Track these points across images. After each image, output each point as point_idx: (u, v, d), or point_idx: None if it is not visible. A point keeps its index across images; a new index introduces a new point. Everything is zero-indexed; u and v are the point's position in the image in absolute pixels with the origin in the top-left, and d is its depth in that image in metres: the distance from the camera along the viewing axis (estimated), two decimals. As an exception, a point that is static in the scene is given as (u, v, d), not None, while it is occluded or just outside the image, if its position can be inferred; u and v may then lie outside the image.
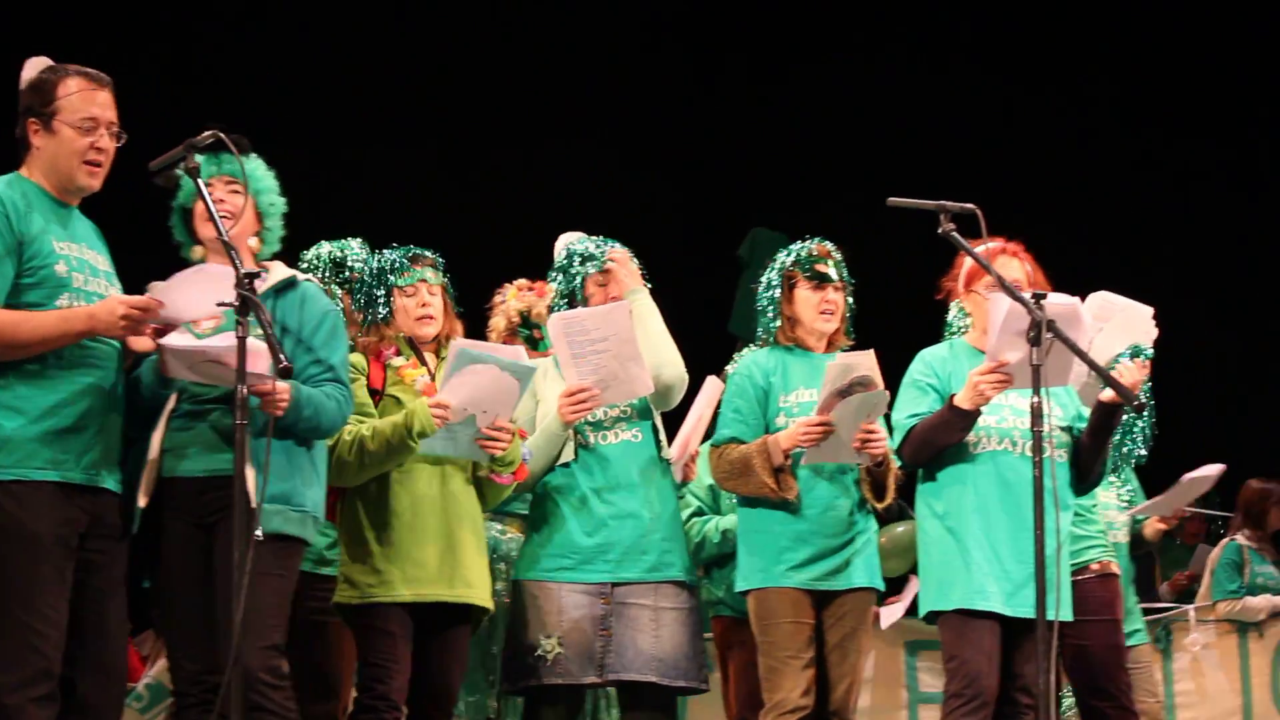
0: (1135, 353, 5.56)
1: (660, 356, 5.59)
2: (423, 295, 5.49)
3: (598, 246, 5.76)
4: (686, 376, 5.71)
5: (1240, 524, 9.29)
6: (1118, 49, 12.37)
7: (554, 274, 5.81)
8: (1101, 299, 5.56)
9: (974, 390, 5.24)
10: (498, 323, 6.47)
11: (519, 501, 5.98)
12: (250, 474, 4.43)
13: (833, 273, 5.73)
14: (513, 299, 6.44)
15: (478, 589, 5.36)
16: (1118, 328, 5.65)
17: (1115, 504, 7.17)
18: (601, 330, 5.46)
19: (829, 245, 5.82)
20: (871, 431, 5.51)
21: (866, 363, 5.50)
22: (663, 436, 5.77)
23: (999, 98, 12.29)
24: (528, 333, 6.36)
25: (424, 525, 5.30)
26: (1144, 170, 12.45)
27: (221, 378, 4.57)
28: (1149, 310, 5.80)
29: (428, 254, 5.57)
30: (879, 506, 5.66)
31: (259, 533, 4.34)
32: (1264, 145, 12.54)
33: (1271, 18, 12.02)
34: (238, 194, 4.87)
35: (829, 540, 5.58)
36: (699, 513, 6.92)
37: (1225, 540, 9.36)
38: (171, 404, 4.75)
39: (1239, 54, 12.25)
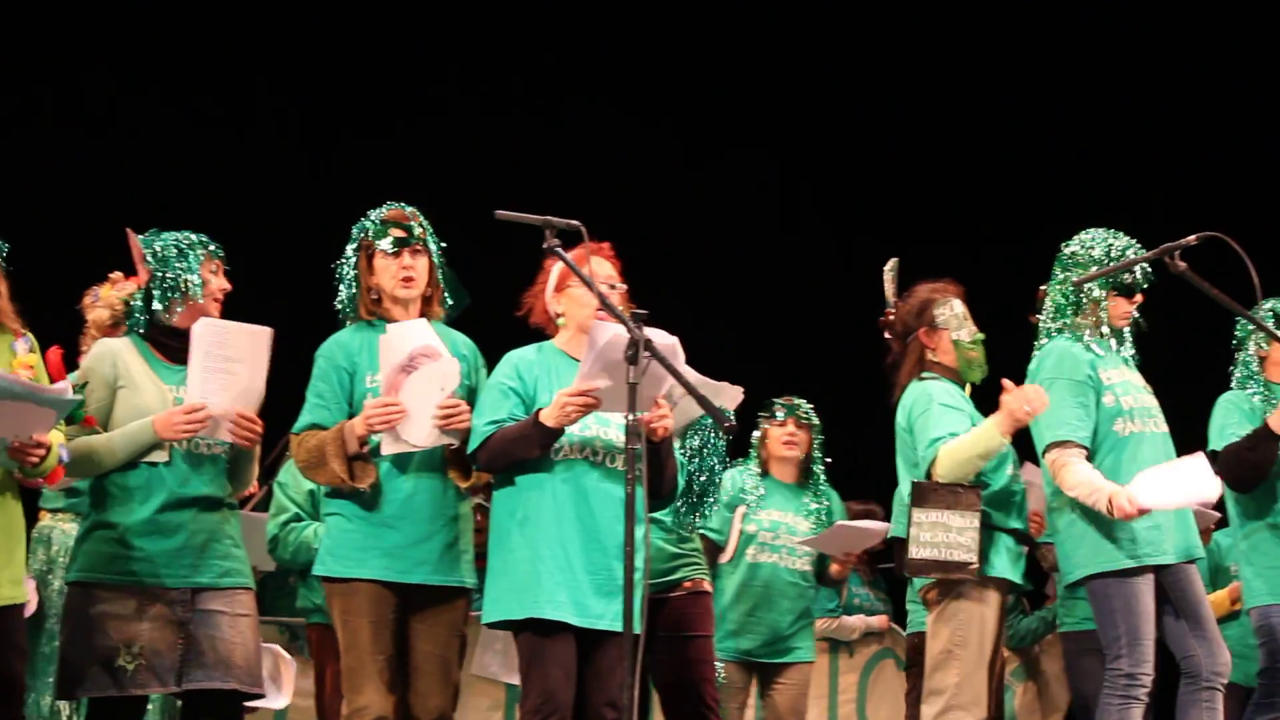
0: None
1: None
2: None
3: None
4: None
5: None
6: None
7: (155, 263, 5.47)
8: None
9: (560, 410, 5.14)
10: (100, 315, 6.27)
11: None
12: None
13: (411, 235, 5.53)
14: (110, 291, 6.25)
15: (6, 588, 5.09)
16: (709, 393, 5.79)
17: (804, 530, 7.35)
18: (241, 350, 5.28)
19: (406, 208, 5.62)
20: (451, 407, 5.36)
21: (419, 332, 5.36)
22: None
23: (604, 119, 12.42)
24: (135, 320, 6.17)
25: None
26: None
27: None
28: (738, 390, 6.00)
29: None
30: (463, 486, 5.44)
31: None
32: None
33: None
34: None
35: (414, 528, 5.38)
36: (297, 519, 6.86)
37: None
38: None
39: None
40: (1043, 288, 6.20)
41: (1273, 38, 11.87)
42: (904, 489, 6.14)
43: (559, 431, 5.21)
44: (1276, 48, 11.86)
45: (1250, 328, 6.45)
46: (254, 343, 5.29)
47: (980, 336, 6.21)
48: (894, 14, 12.28)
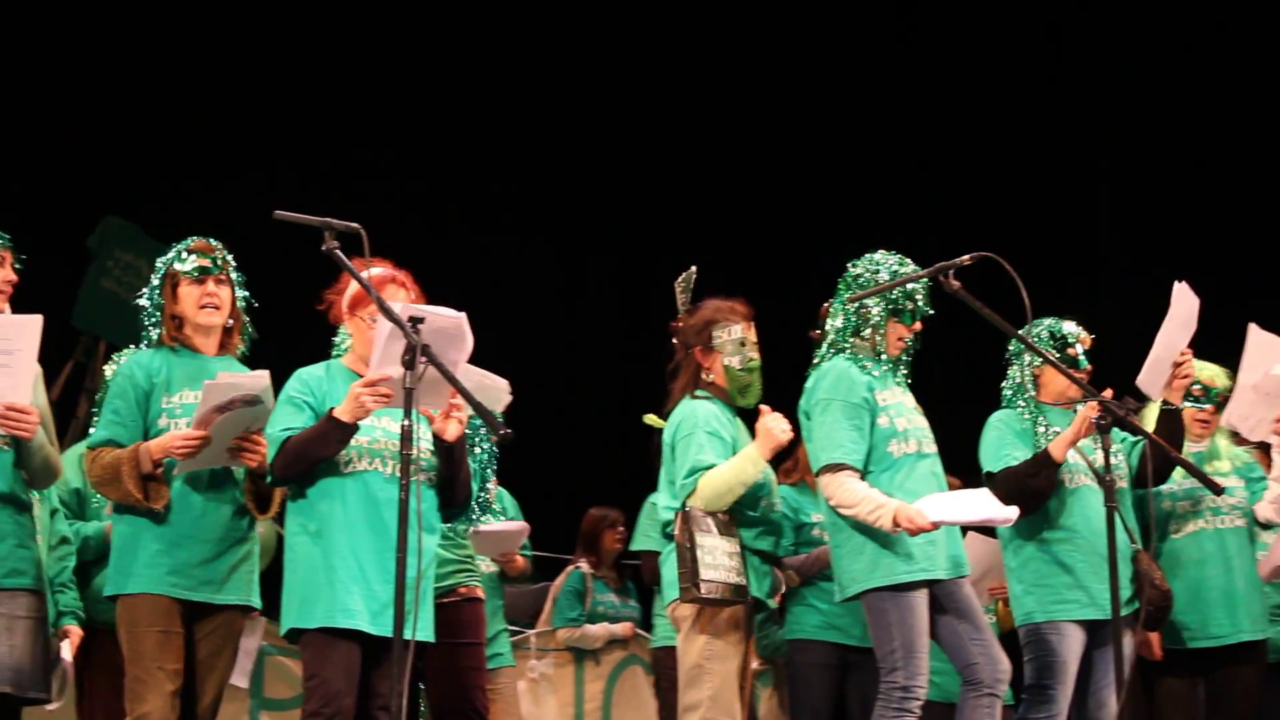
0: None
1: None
2: None
3: None
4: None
5: (581, 552, 9.56)
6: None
7: None
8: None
9: (355, 402, 5.21)
10: None
11: None
12: None
13: (214, 264, 5.65)
14: None
15: None
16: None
17: None
18: (12, 342, 5.18)
19: (212, 241, 5.74)
20: (251, 440, 5.43)
21: (258, 385, 5.42)
22: None
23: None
24: None
25: None
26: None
27: None
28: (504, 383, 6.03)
29: None
30: (260, 519, 5.61)
31: None
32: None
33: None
34: None
35: (203, 548, 5.48)
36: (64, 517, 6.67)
37: (569, 568, 9.62)
38: None
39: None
40: (825, 305, 6.27)
41: (1044, 67, 12.32)
42: (659, 499, 6.17)
43: (354, 427, 5.28)
44: (1049, 77, 12.32)
45: (1021, 346, 6.53)
46: (24, 332, 5.20)
47: (754, 364, 6.18)
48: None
